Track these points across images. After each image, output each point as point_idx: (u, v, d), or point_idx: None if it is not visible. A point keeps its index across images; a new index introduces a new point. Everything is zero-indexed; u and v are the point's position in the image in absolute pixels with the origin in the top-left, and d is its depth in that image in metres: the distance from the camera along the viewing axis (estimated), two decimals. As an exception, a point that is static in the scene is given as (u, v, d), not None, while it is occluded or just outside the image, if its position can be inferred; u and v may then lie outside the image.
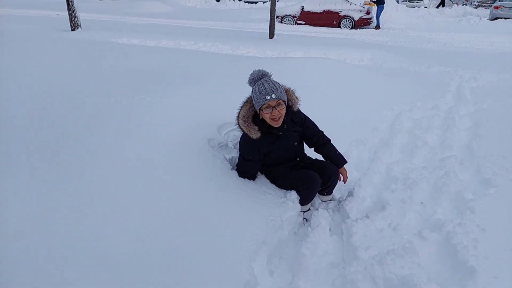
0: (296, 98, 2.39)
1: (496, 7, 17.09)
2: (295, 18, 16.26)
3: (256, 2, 24.49)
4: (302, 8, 16.11)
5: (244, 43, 9.16)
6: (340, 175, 2.58)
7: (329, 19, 15.75)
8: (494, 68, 6.91)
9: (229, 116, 3.00)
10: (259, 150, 2.34)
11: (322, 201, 2.74)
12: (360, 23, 15.50)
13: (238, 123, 2.30)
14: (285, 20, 16.44)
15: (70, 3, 9.61)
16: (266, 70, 2.27)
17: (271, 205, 2.31)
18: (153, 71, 4.08)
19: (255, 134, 2.26)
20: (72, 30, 9.71)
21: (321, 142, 2.59)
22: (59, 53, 4.50)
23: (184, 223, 1.91)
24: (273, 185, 2.51)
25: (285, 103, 2.22)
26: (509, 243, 2.03)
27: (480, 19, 17.22)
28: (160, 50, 6.86)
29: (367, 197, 2.65)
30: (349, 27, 15.55)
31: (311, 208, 2.63)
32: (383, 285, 1.75)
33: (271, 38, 10.17)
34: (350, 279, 1.75)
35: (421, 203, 2.55)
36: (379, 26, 15.50)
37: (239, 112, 2.32)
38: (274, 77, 2.28)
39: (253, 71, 2.25)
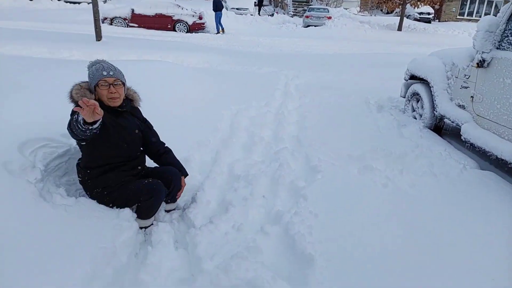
0: (138, 96, 2.40)
1: (307, 16, 20.10)
2: (127, 21, 15.30)
3: (79, 3, 21.92)
4: (133, 10, 15.28)
5: (66, 46, 8.01)
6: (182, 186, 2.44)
7: (163, 22, 15.47)
8: (311, 67, 7.99)
9: (37, 130, 2.44)
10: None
11: (165, 211, 2.50)
12: (195, 27, 15.78)
13: (71, 95, 2.09)
14: (115, 22, 15.28)
15: None
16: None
17: (100, 231, 1.93)
18: None
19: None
20: None
21: (164, 150, 2.51)
22: None
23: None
24: (102, 206, 2.12)
25: (124, 85, 2.18)
26: (337, 223, 2.22)
27: (296, 26, 19.87)
28: None
29: (212, 200, 2.54)
30: (184, 30, 15.62)
31: (154, 222, 2.35)
32: (231, 293, 1.65)
33: (99, 40, 9.21)
34: (197, 297, 1.58)
35: (263, 196, 2.61)
36: (223, 30, 16.09)
37: (71, 90, 2.12)
38: None
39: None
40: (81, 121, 1.77)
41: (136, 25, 15.32)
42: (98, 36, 9.25)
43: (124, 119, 2.22)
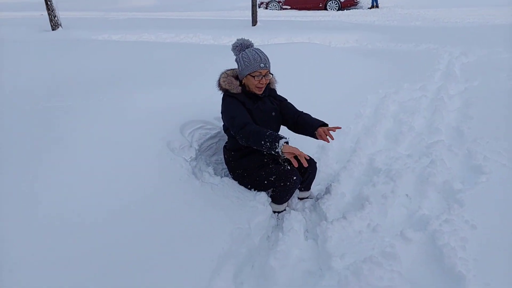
0: (274, 79, 2.45)
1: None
2: (281, 3, 15.85)
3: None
4: (287, -8, 15.72)
5: (227, 32, 8.84)
6: (323, 135, 2.15)
7: (315, 2, 15.37)
8: (485, 42, 6.64)
9: (196, 113, 2.75)
10: (244, 105, 2.18)
11: (299, 198, 2.52)
12: (347, 4, 15.14)
13: (219, 83, 2.26)
14: (270, 6, 16.02)
15: (48, 2, 9.32)
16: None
17: (238, 211, 2.08)
18: (121, 69, 3.80)
19: (236, 88, 2.20)
20: (52, 29, 9.47)
21: (298, 115, 2.36)
22: (34, 54, 4.24)
23: (132, 242, 1.68)
24: (242, 187, 2.28)
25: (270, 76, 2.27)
26: (502, 240, 1.81)
27: (469, -8, 16.81)
28: (139, 45, 6.56)
29: (347, 193, 2.42)
30: (335, 8, 15.17)
31: (287, 208, 2.40)
32: (359, 300, 1.54)
33: (254, 25, 9.83)
34: (322, 296, 1.53)
35: (407, 195, 2.33)
36: (377, 5, 15.05)
37: (219, 79, 2.27)
38: None
39: (237, 39, 2.27)
40: (280, 153, 1.82)
41: (289, 7, 15.71)
42: (254, 21, 9.88)
43: (263, 103, 2.28)
